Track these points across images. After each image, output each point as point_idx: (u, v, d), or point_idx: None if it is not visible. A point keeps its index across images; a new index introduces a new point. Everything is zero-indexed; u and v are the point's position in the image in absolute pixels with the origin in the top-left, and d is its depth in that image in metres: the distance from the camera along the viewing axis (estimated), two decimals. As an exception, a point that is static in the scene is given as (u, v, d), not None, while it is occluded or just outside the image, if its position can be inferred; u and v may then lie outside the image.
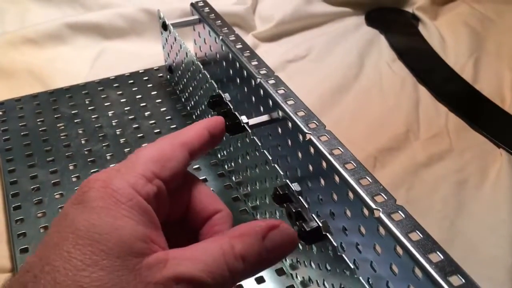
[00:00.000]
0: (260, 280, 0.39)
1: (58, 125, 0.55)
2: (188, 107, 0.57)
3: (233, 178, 0.48)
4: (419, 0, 0.80)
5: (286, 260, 0.40)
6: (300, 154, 0.39)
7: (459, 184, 0.49)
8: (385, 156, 0.52)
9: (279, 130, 0.41)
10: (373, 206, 0.31)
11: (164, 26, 0.55)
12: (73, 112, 0.57)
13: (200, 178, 0.48)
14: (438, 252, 0.28)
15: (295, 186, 0.34)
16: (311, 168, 0.38)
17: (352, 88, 0.63)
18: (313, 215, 0.32)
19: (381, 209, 0.31)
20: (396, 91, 0.63)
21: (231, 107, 0.42)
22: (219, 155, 0.50)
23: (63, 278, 0.20)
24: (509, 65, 0.67)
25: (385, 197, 0.32)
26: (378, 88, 0.63)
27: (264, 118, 0.42)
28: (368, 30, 0.76)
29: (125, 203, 0.23)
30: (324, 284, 0.35)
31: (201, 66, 0.47)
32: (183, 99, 0.58)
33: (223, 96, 0.43)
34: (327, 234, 0.32)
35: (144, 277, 0.22)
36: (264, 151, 0.39)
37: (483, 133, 0.56)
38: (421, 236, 0.29)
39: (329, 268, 0.33)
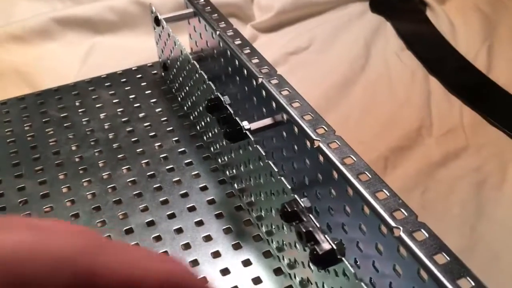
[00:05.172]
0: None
1: (46, 130, 0.51)
2: (185, 107, 0.53)
3: (235, 185, 0.44)
4: (426, -16, 0.76)
5: (295, 277, 0.37)
6: (307, 161, 0.36)
7: (478, 185, 0.46)
8: (397, 156, 0.49)
9: (284, 134, 0.38)
10: (393, 224, 0.28)
11: (157, 21, 0.51)
12: (62, 115, 0.53)
13: (200, 185, 0.45)
14: (468, 278, 0.25)
15: (304, 202, 0.31)
16: (320, 176, 0.35)
17: (359, 81, 0.60)
18: (326, 236, 0.29)
19: (401, 228, 0.28)
20: (406, 84, 0.59)
21: (231, 111, 0.38)
22: (219, 160, 0.47)
23: None
24: (524, 52, 0.64)
25: (405, 213, 0.29)
26: (387, 80, 0.60)
27: (267, 121, 0.38)
28: (373, 17, 0.72)
29: None
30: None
31: (198, 66, 0.44)
32: (179, 98, 0.55)
33: (222, 100, 0.39)
34: (343, 258, 0.28)
35: None
36: (269, 162, 0.35)
37: (499, 127, 0.53)
38: (448, 258, 0.26)
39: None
